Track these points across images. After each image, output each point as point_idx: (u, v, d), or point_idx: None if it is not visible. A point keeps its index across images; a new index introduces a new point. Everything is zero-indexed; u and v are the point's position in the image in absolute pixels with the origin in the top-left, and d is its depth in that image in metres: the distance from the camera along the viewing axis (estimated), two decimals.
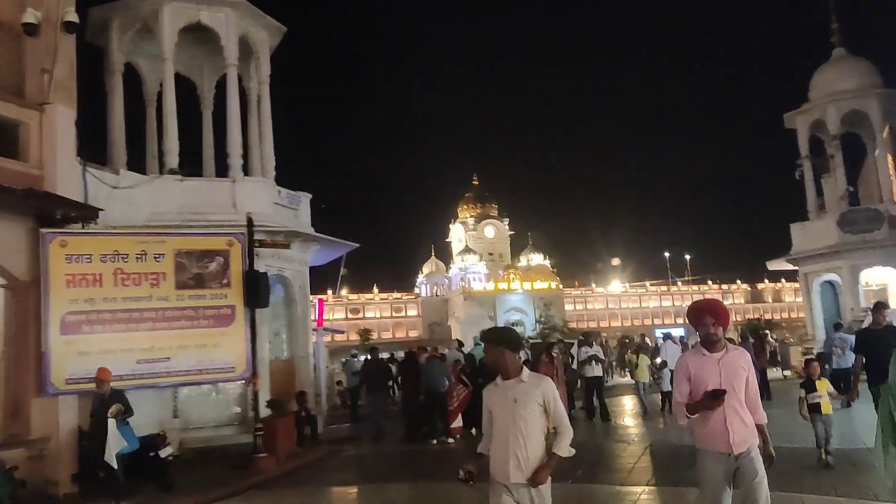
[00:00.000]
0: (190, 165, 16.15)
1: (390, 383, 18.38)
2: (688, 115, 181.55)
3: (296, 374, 16.54)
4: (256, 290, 13.14)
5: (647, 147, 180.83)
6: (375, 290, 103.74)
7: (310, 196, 17.62)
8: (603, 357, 17.58)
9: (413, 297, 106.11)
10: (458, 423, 14.94)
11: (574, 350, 18.40)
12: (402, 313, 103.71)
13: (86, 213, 12.33)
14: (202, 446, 14.51)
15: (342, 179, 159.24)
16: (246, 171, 16.76)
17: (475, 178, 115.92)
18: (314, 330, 18.51)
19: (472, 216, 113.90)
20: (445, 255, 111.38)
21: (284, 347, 16.82)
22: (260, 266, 15.08)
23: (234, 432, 14.88)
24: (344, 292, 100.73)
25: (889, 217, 24.84)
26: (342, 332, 58.42)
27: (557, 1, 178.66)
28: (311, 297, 18.19)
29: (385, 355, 21.80)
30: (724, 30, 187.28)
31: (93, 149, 15.87)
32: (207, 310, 13.10)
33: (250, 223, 13.29)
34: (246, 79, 18.22)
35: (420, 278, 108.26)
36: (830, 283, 26.74)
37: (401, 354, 21.05)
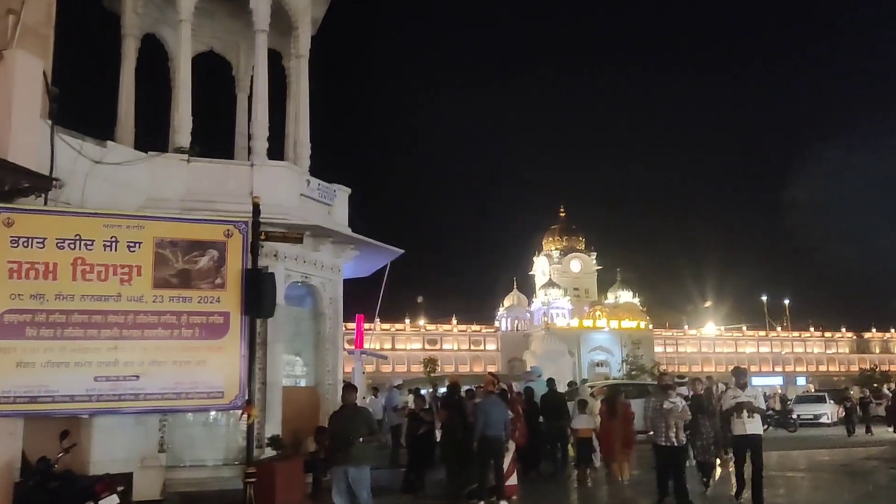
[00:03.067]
0: (206, 147, 13.47)
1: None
2: (784, 138, 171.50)
3: (320, 405, 13.48)
4: (259, 294, 10.17)
5: (741, 182, 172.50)
6: (454, 320, 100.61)
7: (348, 191, 14.73)
8: (762, 406, 11.25)
9: (493, 330, 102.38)
10: (513, 479, 11.54)
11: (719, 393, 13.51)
12: (481, 346, 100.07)
13: (41, 184, 9.70)
14: (192, 490, 11.67)
15: (425, 208, 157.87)
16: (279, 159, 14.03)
17: (562, 210, 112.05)
18: (350, 353, 15.40)
19: (557, 249, 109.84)
20: (528, 289, 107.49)
21: (306, 372, 13.80)
22: (277, 270, 12.23)
23: (235, 474, 11.86)
24: (421, 322, 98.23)
25: None
26: (384, 358, 55.03)
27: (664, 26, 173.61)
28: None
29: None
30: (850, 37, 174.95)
31: (104, 129, 13.58)
32: (193, 316, 10.22)
33: (256, 209, 10.39)
34: (285, 57, 15.63)
35: (500, 311, 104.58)
36: None
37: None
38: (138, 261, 10.00)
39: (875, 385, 50.01)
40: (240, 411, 10.30)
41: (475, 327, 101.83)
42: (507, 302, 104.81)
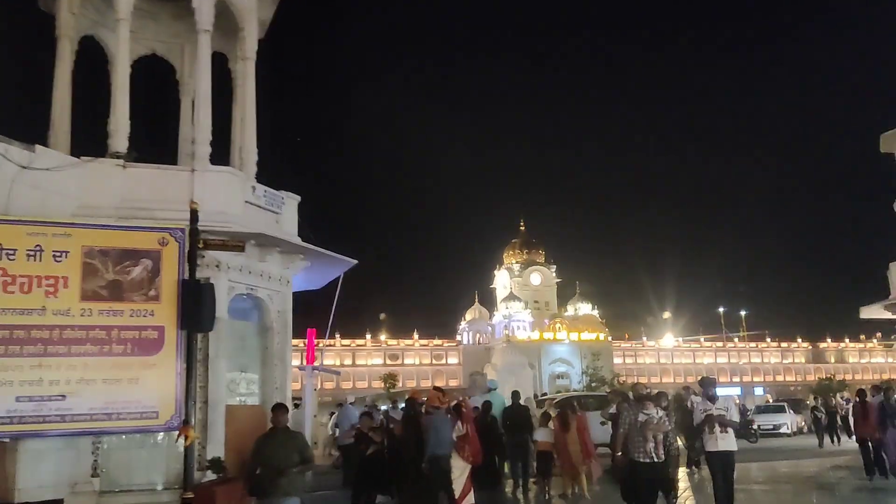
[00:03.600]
0: (149, 153, 12.79)
1: None
2: (746, 149, 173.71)
3: (267, 424, 12.75)
4: (197, 306, 9.50)
5: (700, 192, 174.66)
6: (416, 335, 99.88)
7: (297, 199, 14.08)
8: (734, 419, 10.64)
9: (454, 344, 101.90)
10: (469, 499, 11.00)
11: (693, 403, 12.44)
12: (443, 361, 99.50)
13: None
14: None
15: (383, 222, 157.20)
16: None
17: (522, 223, 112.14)
18: (301, 369, 14.73)
19: (518, 262, 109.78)
20: (490, 303, 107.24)
21: (253, 389, 13.11)
22: (220, 281, 11.57)
23: (175, 498, 11.11)
24: (382, 337, 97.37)
25: None
26: (337, 374, 54.11)
27: (618, 44, 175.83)
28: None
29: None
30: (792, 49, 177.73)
31: (39, 134, 12.81)
32: (125, 331, 9.60)
33: (194, 216, 9.75)
34: (231, 60, 15.01)
35: (462, 325, 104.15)
36: None
37: None
38: (65, 271, 9.35)
39: (831, 394, 50.49)
40: (176, 432, 9.62)
41: (437, 341, 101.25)
42: (468, 316, 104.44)
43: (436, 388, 12.29)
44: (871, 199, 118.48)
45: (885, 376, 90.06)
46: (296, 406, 19.32)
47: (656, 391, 11.27)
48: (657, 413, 9.62)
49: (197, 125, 12.89)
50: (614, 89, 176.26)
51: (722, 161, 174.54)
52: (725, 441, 9.93)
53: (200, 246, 9.79)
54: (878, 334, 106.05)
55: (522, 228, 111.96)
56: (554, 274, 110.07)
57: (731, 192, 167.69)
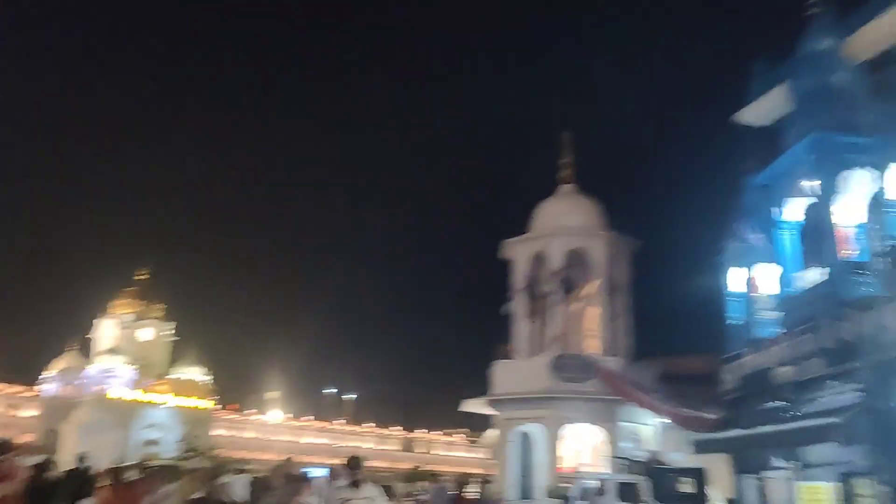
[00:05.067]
0: None
1: None
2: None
3: None
4: None
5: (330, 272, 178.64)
6: None
7: None
8: None
9: (34, 393, 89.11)
10: None
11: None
12: (17, 411, 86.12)
13: None
14: None
15: None
16: None
17: (144, 273, 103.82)
18: None
19: (130, 313, 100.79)
20: (90, 353, 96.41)
21: None
22: None
23: None
24: None
25: (597, 369, 22.53)
26: None
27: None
28: None
29: None
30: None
31: None
32: None
33: None
34: None
35: (50, 374, 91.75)
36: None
37: None
38: None
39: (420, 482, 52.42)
40: None
41: (13, 388, 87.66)
42: (60, 364, 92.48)
43: None
44: (491, 302, 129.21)
45: (465, 469, 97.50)
46: None
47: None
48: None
49: None
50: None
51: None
52: None
53: None
54: (467, 430, 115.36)
55: (143, 278, 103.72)
56: (171, 332, 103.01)
57: (351, 290, 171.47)
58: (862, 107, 15.60)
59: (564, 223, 24.30)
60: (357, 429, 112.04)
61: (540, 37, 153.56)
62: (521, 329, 24.67)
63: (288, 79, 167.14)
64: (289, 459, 10.17)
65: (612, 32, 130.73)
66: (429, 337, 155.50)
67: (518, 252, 24.69)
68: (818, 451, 15.58)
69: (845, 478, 16.38)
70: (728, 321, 18.35)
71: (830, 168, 15.01)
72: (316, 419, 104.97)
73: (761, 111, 19.18)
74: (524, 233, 24.78)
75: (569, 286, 26.58)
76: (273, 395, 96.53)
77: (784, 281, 16.39)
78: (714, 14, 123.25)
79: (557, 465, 21.46)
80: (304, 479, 8.00)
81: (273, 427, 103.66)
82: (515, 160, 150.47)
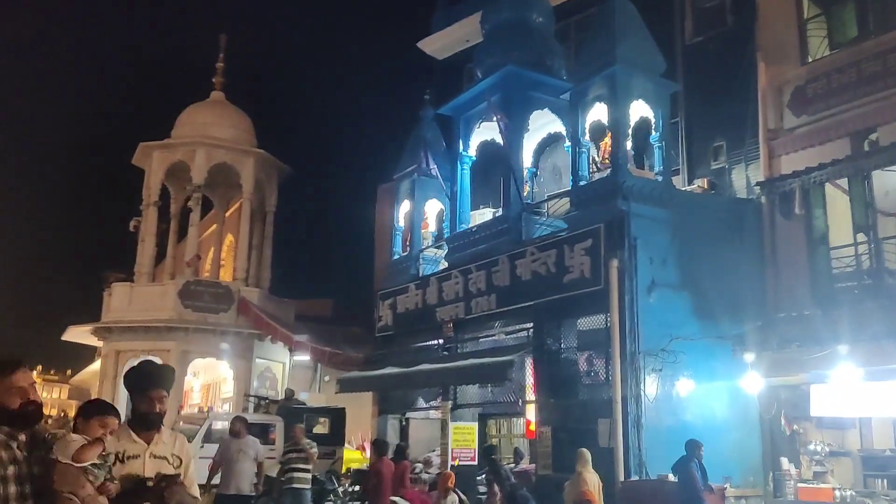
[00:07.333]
0: None
1: None
2: None
3: None
4: None
5: None
6: None
7: None
8: None
9: None
10: None
11: None
12: None
13: None
14: None
15: None
16: None
17: None
18: None
19: None
20: None
21: None
22: None
23: None
24: None
25: (238, 300, 20.21)
26: None
27: None
28: None
29: None
30: None
31: None
32: None
33: None
34: None
35: None
36: None
37: None
38: None
39: None
40: None
41: None
42: None
43: None
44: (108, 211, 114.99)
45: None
46: None
47: None
48: None
49: None
50: None
51: None
52: None
53: None
54: (39, 367, 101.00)
55: None
56: None
57: None
58: (554, 49, 15.52)
59: (212, 133, 21.28)
60: None
61: None
62: (148, 249, 21.16)
63: None
64: None
65: None
66: (27, 249, 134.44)
67: (154, 159, 21.03)
68: (470, 392, 15.37)
69: (485, 419, 16.61)
70: (393, 256, 17.39)
71: (520, 105, 14.60)
72: None
73: (447, 42, 18.46)
74: (165, 138, 21.23)
75: (208, 206, 23.68)
76: None
77: (456, 217, 15.78)
78: None
79: (181, 404, 18.79)
80: None
81: None
82: (169, 58, 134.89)
